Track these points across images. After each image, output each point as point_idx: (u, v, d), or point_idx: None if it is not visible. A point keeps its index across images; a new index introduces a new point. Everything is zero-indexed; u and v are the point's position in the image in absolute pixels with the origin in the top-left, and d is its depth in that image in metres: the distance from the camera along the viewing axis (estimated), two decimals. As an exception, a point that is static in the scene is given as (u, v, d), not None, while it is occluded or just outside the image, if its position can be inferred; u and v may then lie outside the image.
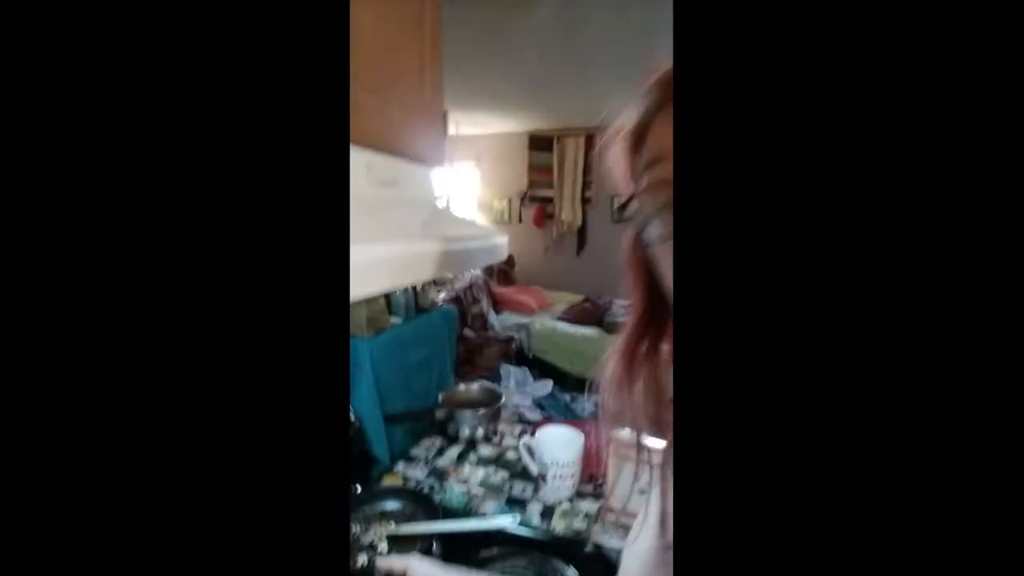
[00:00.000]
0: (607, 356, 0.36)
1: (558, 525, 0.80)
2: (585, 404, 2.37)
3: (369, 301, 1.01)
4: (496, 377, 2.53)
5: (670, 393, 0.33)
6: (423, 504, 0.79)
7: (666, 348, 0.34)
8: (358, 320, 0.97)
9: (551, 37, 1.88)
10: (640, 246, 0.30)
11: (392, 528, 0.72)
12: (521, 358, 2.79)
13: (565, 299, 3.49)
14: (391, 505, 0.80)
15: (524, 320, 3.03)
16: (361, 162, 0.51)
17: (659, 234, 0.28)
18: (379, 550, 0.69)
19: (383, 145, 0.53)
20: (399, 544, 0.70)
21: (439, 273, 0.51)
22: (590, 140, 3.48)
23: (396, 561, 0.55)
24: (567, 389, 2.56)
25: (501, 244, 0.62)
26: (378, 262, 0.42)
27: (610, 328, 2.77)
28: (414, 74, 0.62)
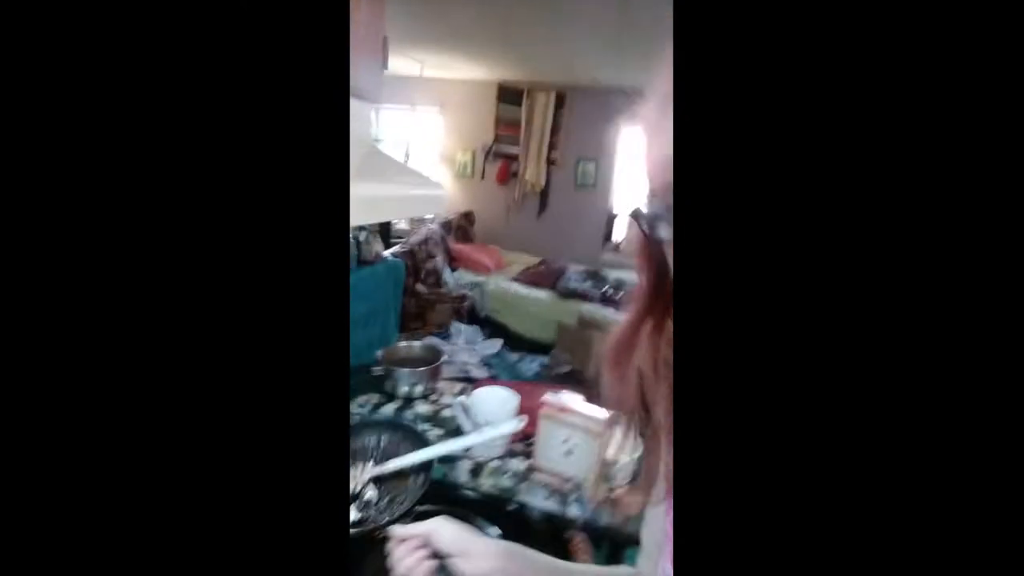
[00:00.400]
0: (610, 337, 0.36)
1: (486, 483, 0.81)
2: (530, 364, 2.42)
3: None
4: (447, 334, 2.52)
5: (669, 374, 0.33)
6: (400, 432, 0.70)
7: (668, 328, 0.34)
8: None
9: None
10: (649, 237, 0.30)
11: (373, 468, 0.63)
12: (473, 317, 2.79)
13: (522, 260, 3.47)
14: (362, 441, 0.71)
15: (479, 279, 3.00)
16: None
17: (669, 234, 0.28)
18: (367, 498, 0.62)
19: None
20: (387, 486, 0.62)
21: (366, 220, 0.46)
22: (561, 97, 3.36)
23: (415, 528, 0.46)
24: (515, 349, 2.59)
25: (439, 196, 0.58)
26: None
27: (563, 293, 2.80)
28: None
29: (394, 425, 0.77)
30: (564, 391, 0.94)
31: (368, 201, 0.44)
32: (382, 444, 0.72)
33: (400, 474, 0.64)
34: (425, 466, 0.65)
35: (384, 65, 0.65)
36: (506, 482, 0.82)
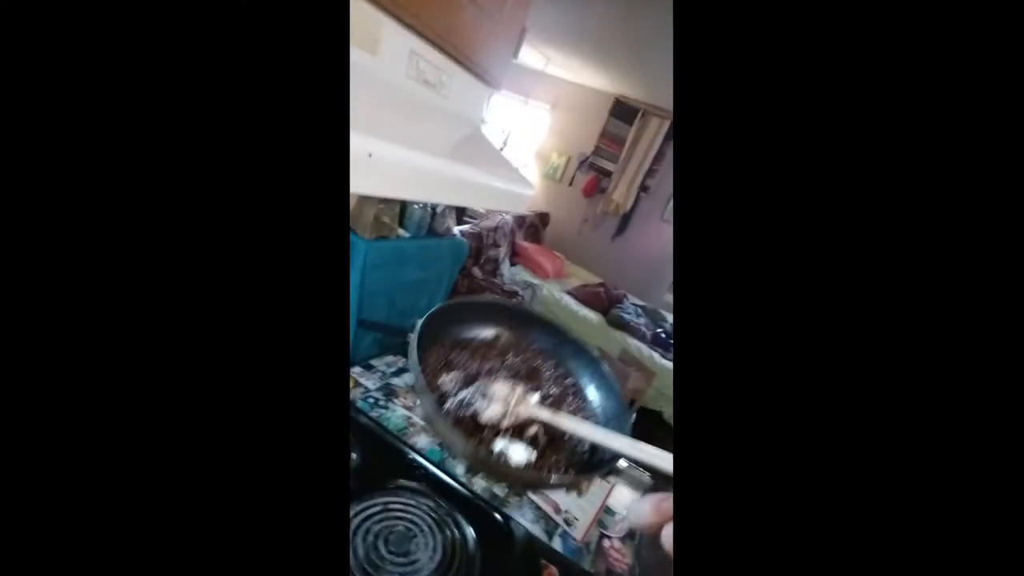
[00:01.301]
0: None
1: (479, 483, 0.80)
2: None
3: (382, 204, 0.97)
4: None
5: None
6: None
7: None
8: (364, 219, 0.94)
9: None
10: None
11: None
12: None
13: (582, 276, 3.42)
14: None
15: (534, 281, 2.99)
16: (403, 47, 0.44)
17: None
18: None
19: (438, 34, 0.46)
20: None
21: (448, 200, 0.46)
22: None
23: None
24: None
25: (526, 195, 0.56)
26: (388, 163, 0.37)
27: (613, 321, 2.72)
28: (504, -31, 0.54)
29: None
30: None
31: (454, 182, 0.43)
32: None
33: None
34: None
35: (515, 54, 0.64)
36: (499, 490, 0.81)
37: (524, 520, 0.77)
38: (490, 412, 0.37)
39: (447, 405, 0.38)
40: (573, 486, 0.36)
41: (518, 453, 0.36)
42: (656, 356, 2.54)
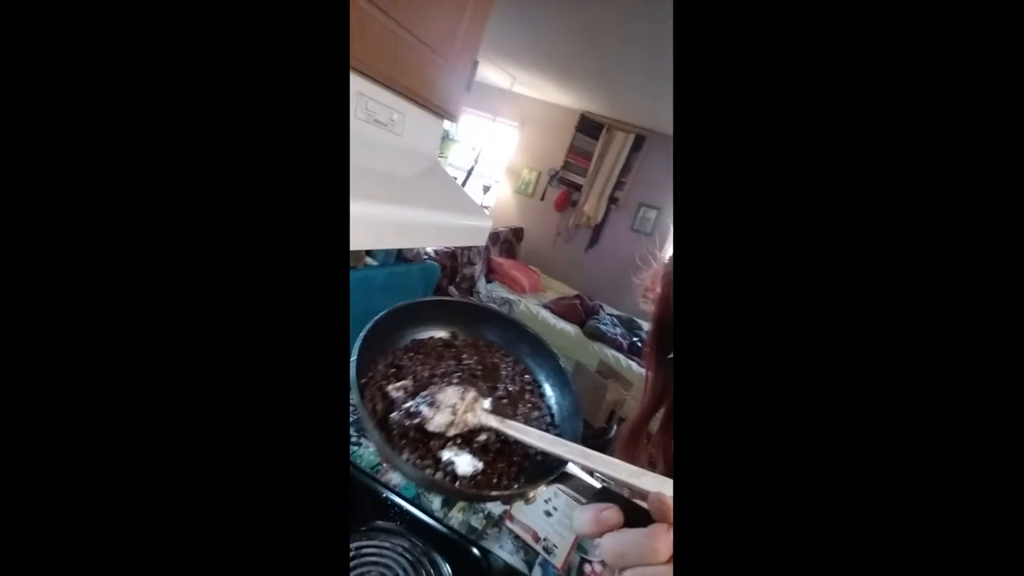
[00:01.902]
0: (623, 427, 0.38)
1: (456, 517, 0.78)
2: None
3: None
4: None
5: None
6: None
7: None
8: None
9: (637, 26, 1.74)
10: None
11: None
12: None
13: (558, 289, 3.44)
14: None
15: (511, 296, 2.99)
16: (351, 90, 0.44)
17: None
18: None
19: (387, 76, 0.46)
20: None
21: (406, 244, 0.46)
22: (639, 140, 3.34)
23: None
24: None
25: (482, 228, 0.57)
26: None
27: (590, 332, 2.74)
28: (452, 6, 0.54)
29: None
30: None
31: (408, 227, 0.43)
32: None
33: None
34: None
35: (468, 87, 0.65)
36: (476, 522, 0.79)
37: (503, 552, 0.75)
38: (437, 421, 0.35)
39: (394, 416, 0.35)
40: (517, 498, 0.34)
41: (465, 464, 0.35)
42: (634, 366, 2.57)
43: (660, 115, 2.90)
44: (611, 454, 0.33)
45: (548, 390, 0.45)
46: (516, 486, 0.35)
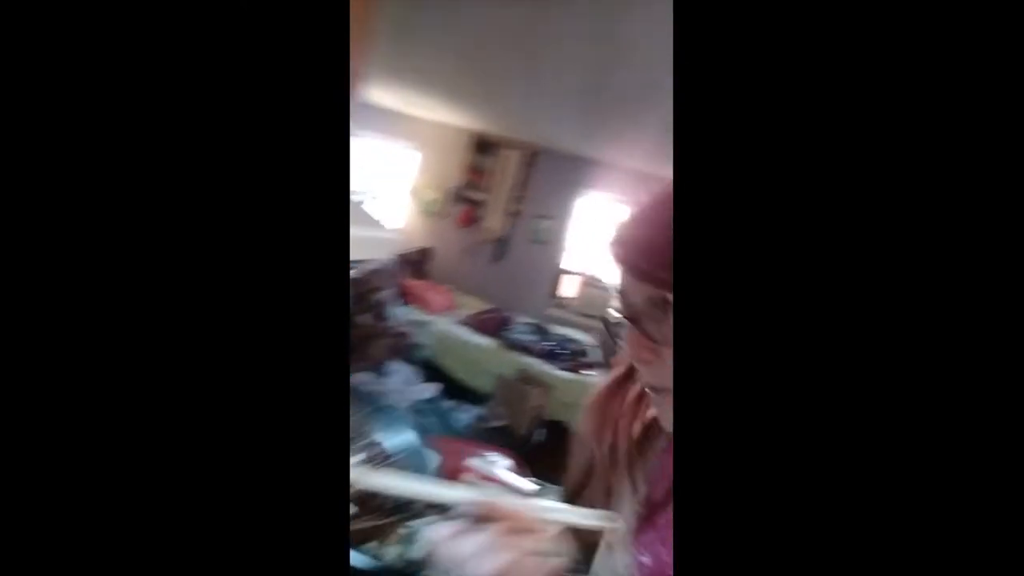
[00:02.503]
0: (592, 393, 0.37)
1: (389, 552, 0.79)
2: (463, 415, 2.39)
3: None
4: (383, 372, 2.44)
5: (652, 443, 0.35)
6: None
7: (643, 395, 0.35)
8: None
9: (521, 42, 1.86)
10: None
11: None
12: (413, 356, 2.73)
13: (472, 304, 3.50)
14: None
15: (425, 318, 2.98)
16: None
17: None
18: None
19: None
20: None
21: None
22: (530, 155, 3.54)
23: None
24: (452, 396, 2.56)
25: (387, 240, 0.58)
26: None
27: (507, 343, 2.83)
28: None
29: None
30: (493, 454, 0.94)
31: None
32: None
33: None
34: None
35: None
36: (415, 553, 0.80)
37: None
38: None
39: None
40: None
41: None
42: (550, 369, 2.71)
43: (548, 131, 3.12)
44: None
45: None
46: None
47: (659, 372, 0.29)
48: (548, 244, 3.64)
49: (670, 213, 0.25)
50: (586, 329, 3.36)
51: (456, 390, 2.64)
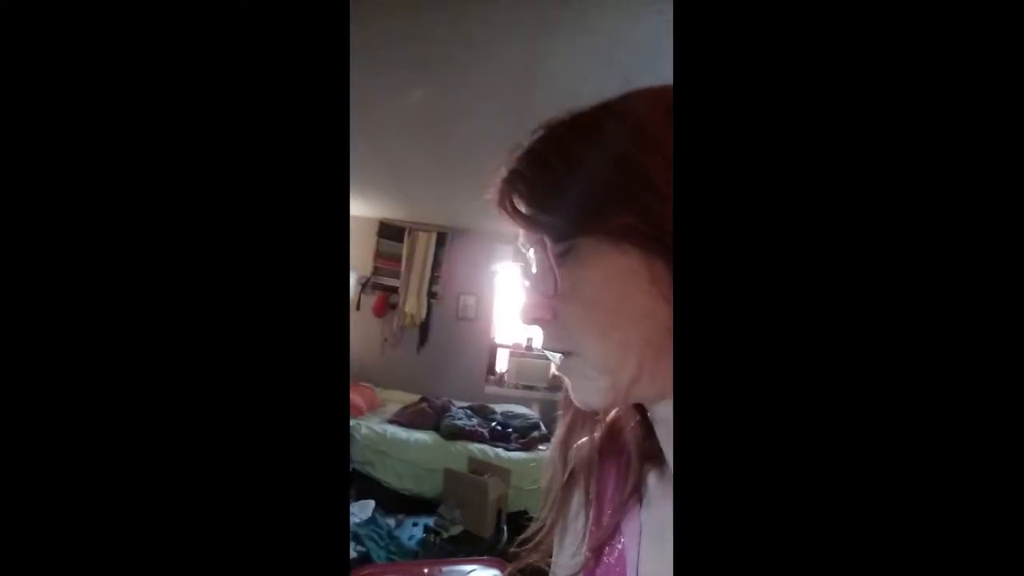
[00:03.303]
0: (546, 460, 0.37)
1: None
2: (412, 530, 1.95)
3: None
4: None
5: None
6: None
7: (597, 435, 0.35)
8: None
9: (420, 125, 1.88)
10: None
11: None
12: (337, 471, 2.26)
13: (399, 398, 3.12)
14: None
15: (350, 422, 2.54)
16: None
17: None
18: None
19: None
20: None
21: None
22: (442, 236, 3.53)
23: None
24: (392, 510, 2.11)
25: None
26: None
27: (448, 433, 2.50)
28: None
29: None
30: (458, 568, 0.71)
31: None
32: None
33: None
34: None
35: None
36: None
37: None
38: None
39: None
40: None
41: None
42: (501, 452, 2.43)
43: (456, 212, 3.16)
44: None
45: None
46: None
47: (559, 332, 0.28)
48: (474, 320, 3.52)
49: (552, 151, 0.27)
50: (530, 402, 3.16)
51: (397, 501, 2.20)
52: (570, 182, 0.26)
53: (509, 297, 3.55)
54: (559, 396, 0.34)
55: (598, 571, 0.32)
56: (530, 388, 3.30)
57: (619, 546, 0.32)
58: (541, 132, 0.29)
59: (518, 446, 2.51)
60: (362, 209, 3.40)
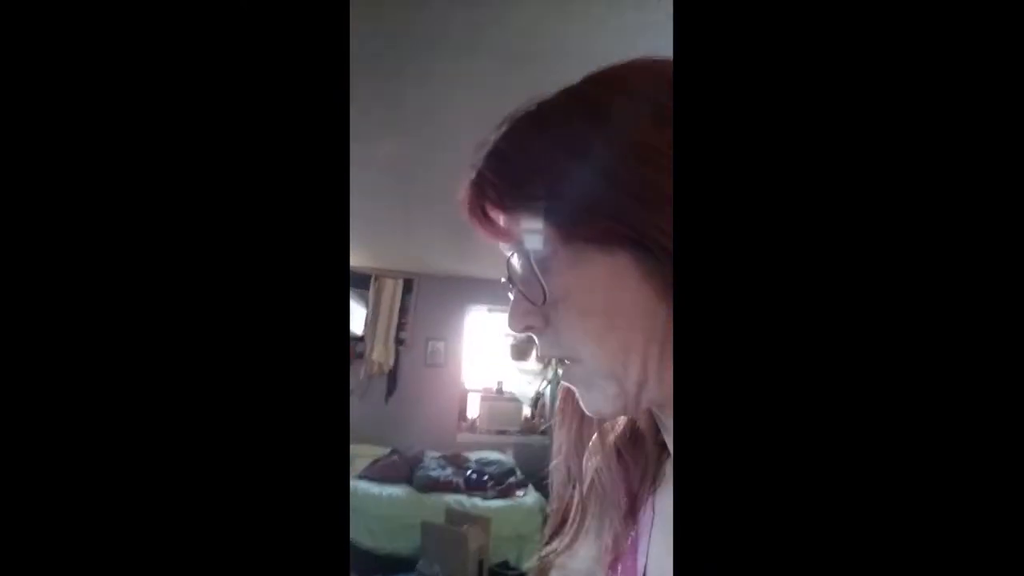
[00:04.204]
0: (554, 463, 0.35)
1: None
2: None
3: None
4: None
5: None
6: None
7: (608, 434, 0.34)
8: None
9: (386, 175, 1.95)
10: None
11: None
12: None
13: (368, 452, 2.97)
14: None
15: (313, 482, 2.39)
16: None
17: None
18: None
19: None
20: None
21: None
22: (408, 283, 3.53)
23: None
24: (367, 572, 1.96)
25: None
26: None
27: (422, 485, 2.40)
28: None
29: None
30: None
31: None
32: None
33: None
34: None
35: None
36: None
37: None
38: None
39: None
40: None
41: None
42: (478, 501, 2.35)
43: (421, 259, 3.20)
44: None
45: None
46: None
47: (554, 339, 0.27)
48: (444, 366, 3.47)
49: (516, 151, 0.26)
50: (504, 447, 3.10)
51: (371, 561, 2.05)
52: (539, 187, 0.25)
53: (478, 341, 3.55)
54: (532, 440, 0.35)
55: (615, 562, 0.32)
56: (503, 432, 3.25)
57: (632, 534, 0.32)
58: (505, 127, 0.27)
59: (495, 493, 2.44)
60: (326, 258, 3.37)
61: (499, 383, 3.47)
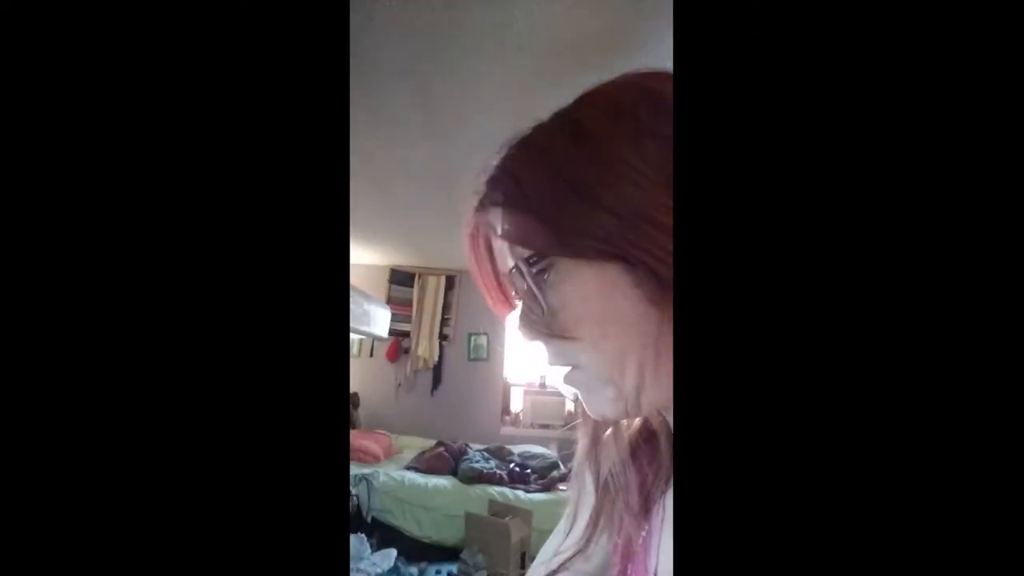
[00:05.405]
0: (576, 459, 0.36)
1: None
2: (437, 578, 1.90)
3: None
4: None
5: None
6: None
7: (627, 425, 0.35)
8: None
9: (426, 177, 2.01)
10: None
11: None
12: (358, 522, 2.22)
13: (415, 444, 3.10)
14: None
15: (365, 471, 2.52)
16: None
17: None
18: None
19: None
20: None
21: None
22: (451, 280, 3.62)
23: None
24: (414, 558, 2.06)
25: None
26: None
27: (467, 477, 2.47)
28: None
29: None
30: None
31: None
32: None
33: None
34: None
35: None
36: None
37: None
38: None
39: None
40: None
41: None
42: (520, 494, 2.38)
43: (463, 255, 3.25)
44: None
45: None
46: None
47: (557, 348, 0.28)
48: (487, 360, 3.53)
49: (509, 177, 0.27)
50: (547, 441, 3.12)
51: (417, 549, 2.14)
52: (530, 211, 0.26)
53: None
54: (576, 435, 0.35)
55: (626, 562, 0.33)
56: (546, 427, 3.26)
57: (644, 533, 0.33)
58: (503, 154, 0.28)
59: (538, 487, 2.46)
60: (374, 258, 3.53)
61: (542, 378, 3.48)
